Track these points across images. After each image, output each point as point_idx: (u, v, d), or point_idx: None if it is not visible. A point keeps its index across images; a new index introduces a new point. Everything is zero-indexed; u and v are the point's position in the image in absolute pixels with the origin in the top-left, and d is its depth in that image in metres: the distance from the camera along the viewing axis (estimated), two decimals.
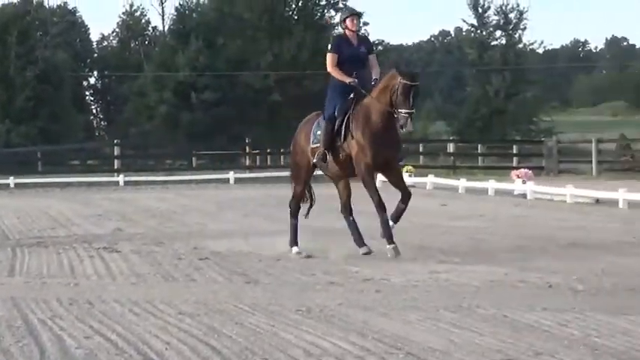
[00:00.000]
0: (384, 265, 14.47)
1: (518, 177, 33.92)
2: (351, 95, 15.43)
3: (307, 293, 12.18)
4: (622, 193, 27.13)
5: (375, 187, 15.38)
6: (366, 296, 11.90)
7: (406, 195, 15.42)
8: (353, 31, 15.73)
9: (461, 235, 19.32)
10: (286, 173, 23.48)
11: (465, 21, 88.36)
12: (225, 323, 10.20)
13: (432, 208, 27.02)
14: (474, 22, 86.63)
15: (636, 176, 41.75)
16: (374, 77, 15.48)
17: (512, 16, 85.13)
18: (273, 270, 14.44)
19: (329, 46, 15.75)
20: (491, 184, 34.35)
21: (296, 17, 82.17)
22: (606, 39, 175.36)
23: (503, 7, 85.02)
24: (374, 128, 15.08)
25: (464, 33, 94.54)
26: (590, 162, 47.49)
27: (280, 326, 10.02)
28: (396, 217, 15.42)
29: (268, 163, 56.77)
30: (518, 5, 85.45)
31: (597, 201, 28.70)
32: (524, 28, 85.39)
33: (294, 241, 16.14)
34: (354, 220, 16.04)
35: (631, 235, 18.66)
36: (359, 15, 16.11)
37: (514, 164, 48.85)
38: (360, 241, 15.76)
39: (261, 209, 27.05)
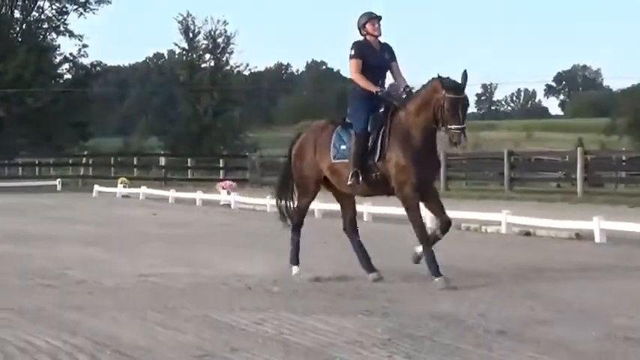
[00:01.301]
0: (95, 269, 14.36)
1: (223, 188, 34.31)
2: (383, 107, 12.99)
3: (23, 296, 11.94)
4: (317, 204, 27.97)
5: (420, 215, 12.95)
6: (79, 298, 11.76)
7: (446, 223, 12.91)
8: (375, 35, 13.25)
9: (169, 241, 19.40)
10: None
11: (177, 44, 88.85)
12: None
13: (144, 216, 26.96)
14: (185, 45, 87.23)
15: None
16: (403, 86, 13.16)
17: (220, 40, 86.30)
18: None
19: (351, 52, 13.20)
20: (199, 195, 34.61)
21: (20, 39, 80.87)
22: (307, 62, 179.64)
23: (212, 33, 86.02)
24: (415, 147, 12.63)
25: (176, 56, 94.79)
26: None
27: None
28: (433, 238, 12.94)
29: None
30: (226, 31, 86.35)
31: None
32: (232, 52, 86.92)
33: (295, 259, 13.70)
34: (360, 241, 13.56)
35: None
36: (379, 18, 13.28)
37: (221, 177, 49.25)
38: (368, 266, 13.31)
39: None
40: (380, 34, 13.24)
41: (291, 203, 14.05)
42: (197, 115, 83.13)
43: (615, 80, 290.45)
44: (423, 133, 12.61)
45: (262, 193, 35.12)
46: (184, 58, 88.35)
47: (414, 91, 12.97)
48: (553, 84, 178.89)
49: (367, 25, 13.19)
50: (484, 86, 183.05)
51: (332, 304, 11.29)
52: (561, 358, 8.26)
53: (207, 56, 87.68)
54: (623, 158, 41.92)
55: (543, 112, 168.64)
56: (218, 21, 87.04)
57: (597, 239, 18.62)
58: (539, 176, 40.49)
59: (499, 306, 11.03)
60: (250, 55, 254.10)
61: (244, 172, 51.71)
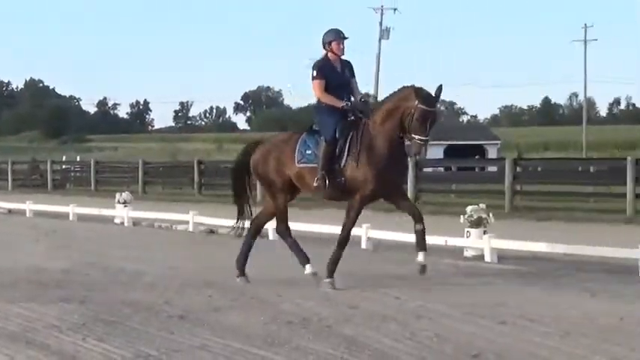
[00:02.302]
0: None
1: None
2: (352, 116, 12.00)
3: None
4: (29, 205, 27.99)
5: (354, 222, 12.01)
6: None
7: (418, 215, 11.78)
8: (337, 55, 12.14)
9: None
10: None
11: None
12: None
13: None
14: None
15: (43, 191, 41.91)
16: (360, 97, 12.23)
17: None
18: None
19: (313, 72, 12.11)
20: None
21: None
22: (25, 80, 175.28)
23: None
24: (380, 157, 11.61)
25: None
26: (7, 180, 47.18)
27: None
28: (422, 243, 11.71)
29: None
30: None
31: (10, 211, 28.67)
32: None
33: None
34: (294, 240, 12.59)
35: None
36: (345, 39, 12.21)
37: None
38: (305, 259, 12.32)
39: None
40: (343, 54, 12.18)
41: (249, 207, 13.17)
42: None
43: (294, 98, 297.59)
44: (389, 144, 11.60)
45: None
46: None
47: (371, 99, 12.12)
48: (241, 102, 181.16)
49: (333, 44, 12.09)
50: (181, 103, 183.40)
51: (37, 293, 11.11)
52: (233, 341, 8.41)
53: None
54: None
55: (233, 126, 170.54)
56: None
57: (270, 237, 18.92)
58: (226, 182, 40.66)
59: (182, 294, 11.16)
60: None
61: None
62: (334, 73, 12.06)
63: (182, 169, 42.59)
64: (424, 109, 11.27)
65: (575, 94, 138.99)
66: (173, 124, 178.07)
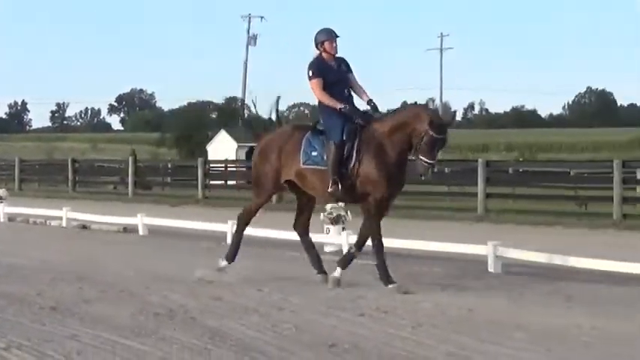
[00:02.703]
0: None
1: None
2: (358, 120, 11.25)
3: None
4: None
5: (379, 226, 11.21)
6: None
7: (363, 240, 11.39)
8: (331, 54, 11.54)
9: None
10: None
11: None
12: None
13: None
14: None
15: None
16: (366, 99, 11.49)
17: None
18: None
19: (309, 72, 11.46)
20: None
21: None
22: None
23: None
24: (389, 164, 10.98)
25: None
26: None
27: None
28: (344, 262, 11.44)
29: None
30: None
31: None
32: None
33: (231, 257, 11.90)
34: (310, 241, 12.13)
35: None
36: (337, 37, 11.60)
37: None
38: (318, 266, 11.80)
39: None
40: (336, 53, 11.59)
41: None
42: None
43: (166, 101, 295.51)
44: (397, 155, 11.01)
45: None
46: None
47: (377, 106, 11.48)
48: (115, 104, 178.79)
49: (325, 43, 11.50)
50: (58, 104, 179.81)
51: None
52: (102, 331, 8.30)
53: None
54: (169, 166, 42.69)
55: (107, 127, 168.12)
56: None
57: (140, 232, 18.95)
58: (100, 180, 40.33)
59: (54, 287, 10.96)
60: None
61: None
62: (330, 71, 11.49)
63: (57, 168, 42.04)
64: (434, 136, 10.69)
65: (432, 100, 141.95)
66: (50, 124, 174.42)
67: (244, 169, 40.81)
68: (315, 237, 15.36)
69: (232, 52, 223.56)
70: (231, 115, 71.63)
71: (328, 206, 15.45)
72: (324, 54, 11.55)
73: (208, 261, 12.13)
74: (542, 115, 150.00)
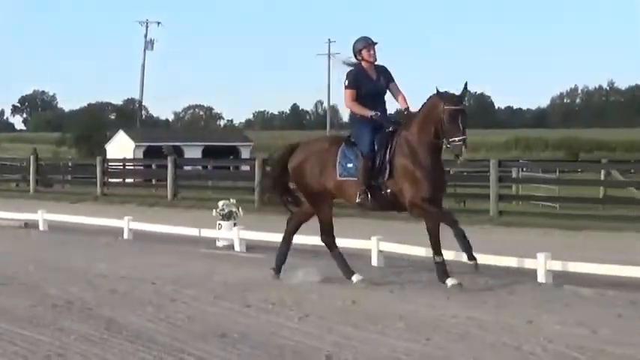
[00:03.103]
0: None
1: None
2: (390, 127, 10.68)
3: None
4: None
5: (436, 225, 10.55)
6: None
7: (453, 222, 10.40)
8: (370, 62, 10.88)
9: None
10: None
11: None
12: None
13: None
14: None
15: None
16: (404, 107, 10.90)
17: None
18: None
19: (346, 82, 10.86)
20: None
21: None
22: None
23: None
24: (423, 164, 10.39)
25: None
26: None
27: None
28: (468, 249, 10.31)
29: None
30: None
31: None
32: None
33: (349, 272, 11.06)
34: (339, 251, 11.36)
35: None
36: (375, 44, 10.92)
37: None
38: (349, 273, 11.07)
39: None
40: (375, 60, 10.92)
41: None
42: None
43: (68, 102, 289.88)
44: (429, 150, 10.43)
45: None
46: None
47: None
48: (18, 104, 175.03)
49: (363, 52, 10.85)
50: None
51: None
52: (1, 322, 8.17)
53: None
54: (70, 165, 41.96)
55: (10, 127, 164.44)
56: None
57: (41, 227, 18.62)
58: (2, 177, 39.35)
59: None
60: None
61: None
62: (368, 82, 10.88)
63: None
64: (451, 109, 10.22)
65: (321, 102, 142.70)
66: None
67: (142, 167, 40.77)
68: (207, 232, 15.42)
69: (131, 56, 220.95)
70: (129, 116, 70.90)
71: (220, 203, 15.46)
72: (363, 63, 10.95)
73: (106, 255, 11.97)
74: None
